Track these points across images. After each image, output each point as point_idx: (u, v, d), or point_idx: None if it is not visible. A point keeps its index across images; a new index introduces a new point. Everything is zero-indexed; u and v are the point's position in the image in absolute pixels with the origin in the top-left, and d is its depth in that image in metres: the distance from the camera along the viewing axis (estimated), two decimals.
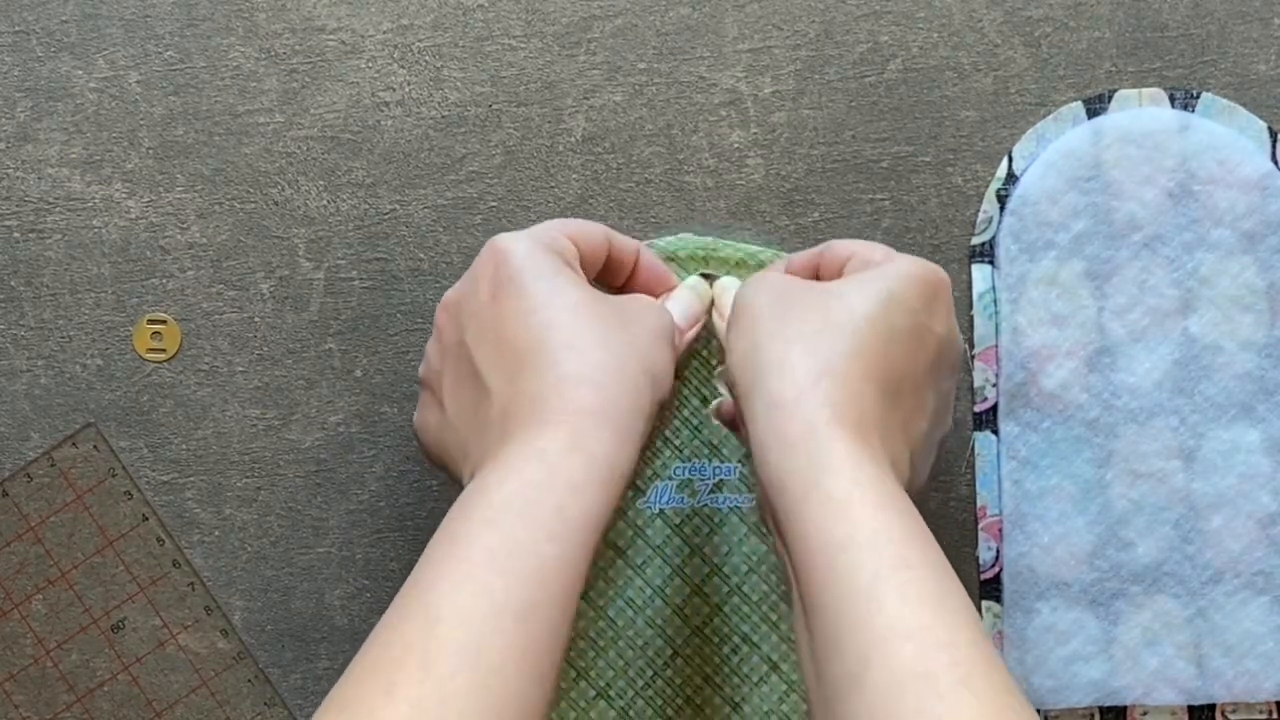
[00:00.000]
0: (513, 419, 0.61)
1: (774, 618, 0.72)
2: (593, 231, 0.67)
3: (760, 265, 0.72)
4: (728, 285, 0.70)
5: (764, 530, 0.72)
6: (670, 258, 0.72)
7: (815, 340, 0.60)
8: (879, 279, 0.62)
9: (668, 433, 0.72)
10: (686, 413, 0.72)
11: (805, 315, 0.61)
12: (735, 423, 0.67)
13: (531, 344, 0.61)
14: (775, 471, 0.58)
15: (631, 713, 0.72)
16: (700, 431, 0.72)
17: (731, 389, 0.63)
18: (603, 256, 0.68)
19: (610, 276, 0.69)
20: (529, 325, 0.62)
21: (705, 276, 0.71)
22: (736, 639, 0.72)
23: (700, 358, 0.72)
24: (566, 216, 0.73)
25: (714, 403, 0.67)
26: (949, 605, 0.55)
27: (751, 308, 0.63)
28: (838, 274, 0.65)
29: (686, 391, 0.72)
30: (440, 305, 0.66)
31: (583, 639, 0.72)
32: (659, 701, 0.72)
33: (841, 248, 0.66)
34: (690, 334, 0.69)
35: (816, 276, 0.67)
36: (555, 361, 0.61)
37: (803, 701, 0.72)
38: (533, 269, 0.63)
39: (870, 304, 0.61)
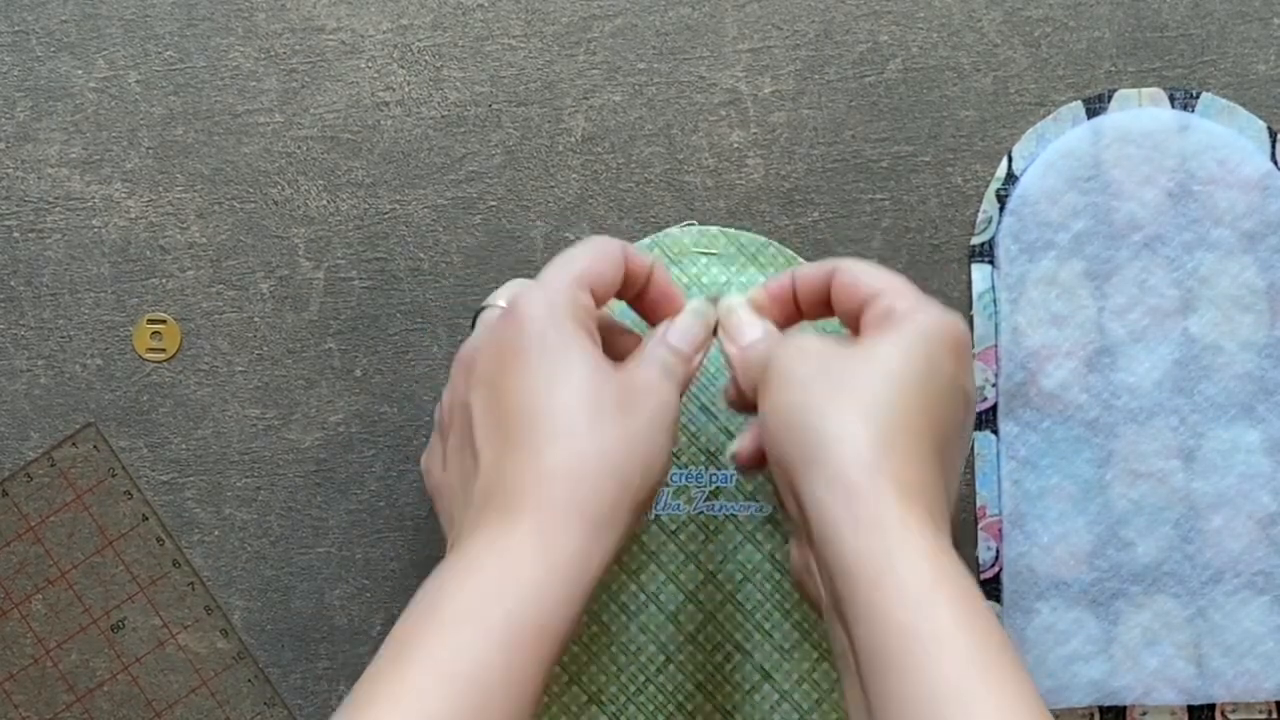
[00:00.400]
0: (489, 504, 0.60)
1: (767, 626, 0.72)
2: (610, 267, 0.65)
3: (761, 256, 0.72)
4: (733, 306, 0.68)
5: (757, 539, 0.72)
6: (673, 252, 0.72)
7: (869, 413, 0.59)
8: (917, 341, 0.61)
9: None
10: (684, 420, 0.72)
11: (854, 385, 0.60)
12: (751, 467, 0.67)
13: (523, 425, 0.61)
14: (844, 555, 0.58)
15: (623, 719, 0.72)
16: (698, 439, 0.72)
17: (769, 457, 0.63)
18: (617, 285, 0.66)
19: (621, 292, 0.68)
20: (526, 405, 0.61)
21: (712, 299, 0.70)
22: (730, 647, 0.72)
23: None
24: (562, 218, 0.73)
25: (731, 448, 0.66)
26: (1031, 708, 0.55)
27: (793, 379, 0.62)
28: (857, 311, 0.64)
29: (684, 398, 0.72)
30: (456, 361, 0.65)
31: (575, 644, 0.72)
32: (650, 708, 0.72)
33: (859, 281, 0.64)
34: (696, 361, 0.68)
35: (826, 298, 0.66)
36: (539, 450, 0.60)
37: (794, 711, 0.72)
38: (544, 343, 0.62)
39: (914, 370, 0.60)
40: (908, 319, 0.62)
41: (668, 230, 0.73)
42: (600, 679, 0.72)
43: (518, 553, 0.59)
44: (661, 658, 0.72)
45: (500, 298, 0.68)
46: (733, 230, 0.73)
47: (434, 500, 0.66)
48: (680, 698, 0.72)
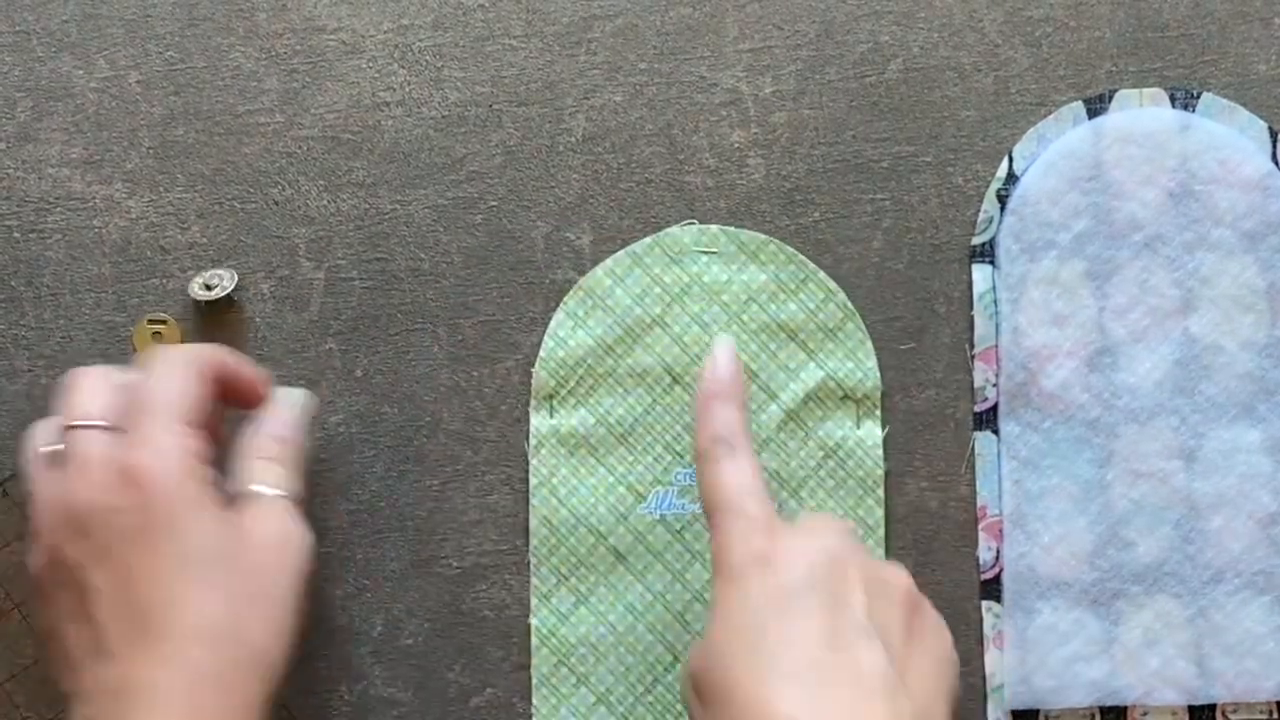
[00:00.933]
0: (134, 706, 0.59)
1: None
2: (197, 388, 0.64)
3: (762, 254, 0.72)
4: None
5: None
6: (674, 251, 0.72)
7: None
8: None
9: (669, 438, 0.72)
10: (688, 418, 0.72)
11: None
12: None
13: (159, 616, 0.60)
14: None
15: (632, 718, 0.72)
16: None
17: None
18: (206, 403, 0.65)
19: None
20: (163, 597, 0.60)
21: None
22: None
23: (702, 365, 0.72)
24: (562, 218, 0.73)
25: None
26: None
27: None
28: None
29: (688, 397, 0.72)
30: (50, 504, 0.63)
31: (583, 645, 0.72)
32: (659, 708, 0.72)
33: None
34: (300, 443, 0.67)
35: None
36: (184, 653, 0.60)
37: None
38: (177, 520, 0.61)
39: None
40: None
41: (668, 230, 0.73)
42: (609, 679, 0.72)
43: None
44: (670, 657, 0.72)
45: (90, 411, 0.64)
46: (732, 229, 0.73)
47: (41, 619, 0.64)
48: None
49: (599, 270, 0.73)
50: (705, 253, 0.72)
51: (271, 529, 0.64)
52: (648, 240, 0.73)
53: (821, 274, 0.72)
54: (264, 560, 0.63)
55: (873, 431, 0.72)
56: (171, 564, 0.60)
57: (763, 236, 0.73)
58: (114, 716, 0.60)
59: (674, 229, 0.73)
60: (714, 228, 0.73)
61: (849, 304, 0.72)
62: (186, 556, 0.61)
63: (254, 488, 0.65)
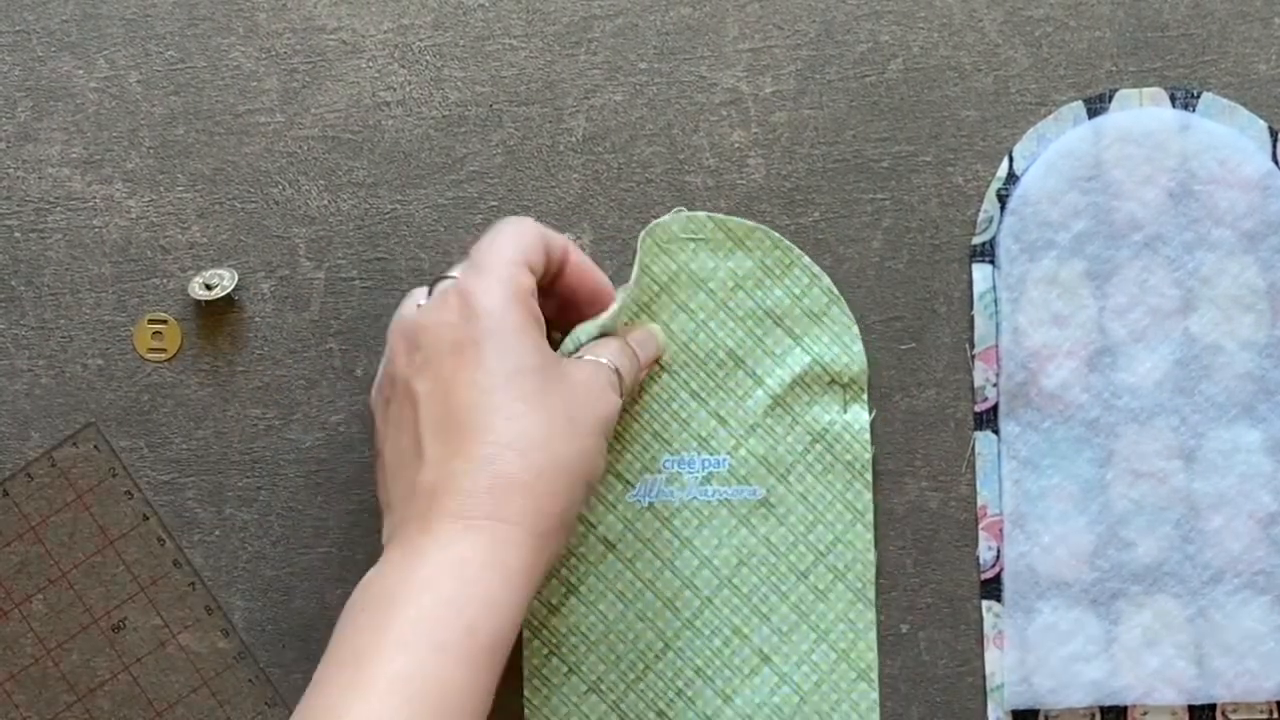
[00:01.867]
0: (439, 504, 0.60)
1: (764, 609, 0.72)
2: (539, 248, 0.66)
3: (749, 241, 0.72)
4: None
5: (751, 523, 0.72)
6: (662, 240, 0.72)
7: None
8: None
9: (656, 426, 0.72)
10: (675, 406, 0.72)
11: None
12: None
13: (477, 426, 0.61)
14: None
15: (623, 706, 0.72)
16: (689, 425, 0.72)
17: None
18: (544, 266, 0.66)
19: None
20: (480, 403, 0.61)
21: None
22: (728, 631, 0.72)
23: (689, 352, 0.72)
24: (563, 217, 0.73)
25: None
26: None
27: None
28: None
29: (675, 384, 0.72)
30: (396, 327, 0.65)
31: (574, 634, 0.72)
32: (650, 695, 0.72)
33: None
34: (643, 375, 0.69)
35: None
36: (494, 457, 0.61)
37: (794, 693, 0.72)
38: (500, 337, 0.62)
39: None
40: None
41: (658, 220, 0.73)
42: (599, 668, 0.72)
43: (476, 568, 0.59)
44: (660, 644, 0.72)
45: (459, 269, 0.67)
46: (720, 215, 0.73)
47: (375, 475, 0.66)
48: (680, 684, 0.72)
49: None
50: (693, 239, 0.72)
51: (590, 377, 0.65)
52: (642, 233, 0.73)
53: (806, 259, 0.72)
54: (580, 396, 0.64)
55: (859, 416, 0.72)
56: (491, 376, 0.62)
57: (750, 223, 0.72)
58: (418, 518, 0.61)
59: (664, 218, 0.73)
60: (702, 215, 0.73)
61: (833, 289, 0.72)
62: (506, 371, 0.62)
63: (586, 355, 0.67)
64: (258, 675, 0.73)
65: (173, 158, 0.74)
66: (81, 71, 0.73)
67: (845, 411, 0.73)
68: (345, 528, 0.73)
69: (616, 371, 0.67)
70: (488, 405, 0.61)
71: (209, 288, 0.70)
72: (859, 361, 0.72)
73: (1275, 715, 0.72)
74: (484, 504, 0.60)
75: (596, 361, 0.66)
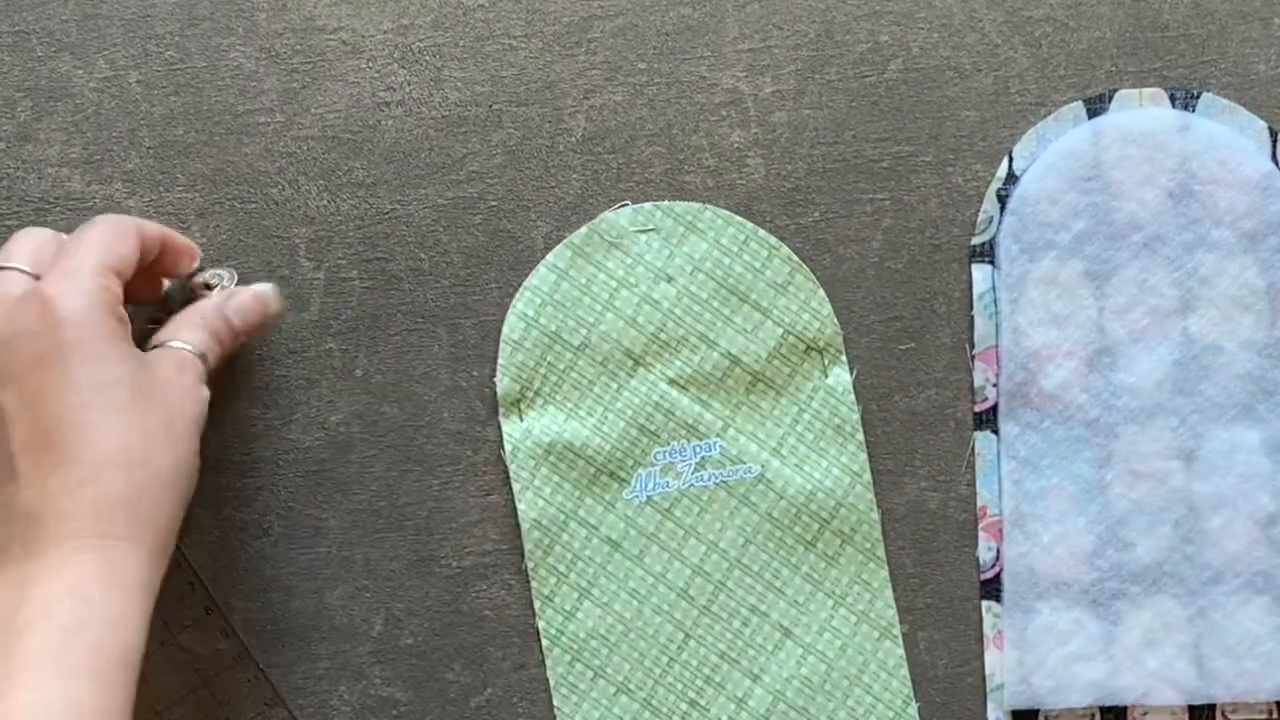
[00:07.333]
0: (43, 527, 0.60)
1: (778, 584, 0.72)
2: (130, 246, 0.65)
3: (699, 223, 0.72)
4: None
5: (752, 501, 0.72)
6: (611, 236, 0.72)
7: None
8: None
9: (641, 420, 0.72)
10: (656, 398, 0.72)
11: None
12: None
13: (72, 443, 0.60)
14: None
15: (654, 702, 0.72)
16: (674, 414, 0.72)
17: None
18: (135, 263, 0.65)
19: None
20: (72, 419, 0.60)
21: None
22: (745, 611, 0.72)
23: (660, 343, 0.72)
24: (562, 218, 0.73)
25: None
26: None
27: None
28: None
29: (653, 377, 0.72)
30: None
31: (594, 638, 0.72)
32: (679, 686, 0.72)
33: None
34: (235, 345, 0.69)
35: None
36: (95, 477, 0.60)
37: (820, 661, 0.72)
38: (86, 348, 0.61)
39: None
40: None
41: (602, 215, 0.73)
42: (624, 668, 0.72)
43: (93, 588, 0.59)
44: (681, 635, 0.72)
45: (16, 258, 0.65)
46: (666, 202, 0.73)
47: None
48: (706, 671, 0.72)
49: (541, 267, 0.73)
50: (643, 231, 0.72)
51: (175, 372, 0.64)
52: (583, 230, 0.73)
53: (761, 231, 0.72)
54: (170, 396, 0.63)
55: (841, 377, 0.72)
56: (81, 390, 0.60)
57: (698, 205, 0.72)
58: (26, 540, 0.60)
59: (608, 213, 0.73)
60: (648, 205, 0.73)
61: (793, 256, 0.72)
62: (96, 384, 0.61)
63: (169, 342, 0.66)
64: (257, 675, 0.73)
65: (172, 158, 0.74)
66: (81, 71, 0.73)
67: (827, 375, 0.73)
68: (345, 528, 0.73)
69: (202, 356, 0.66)
70: (81, 421, 0.60)
71: (209, 287, 0.70)
72: (831, 324, 0.72)
73: (1275, 715, 0.72)
74: (91, 524, 0.60)
75: (180, 351, 0.65)
